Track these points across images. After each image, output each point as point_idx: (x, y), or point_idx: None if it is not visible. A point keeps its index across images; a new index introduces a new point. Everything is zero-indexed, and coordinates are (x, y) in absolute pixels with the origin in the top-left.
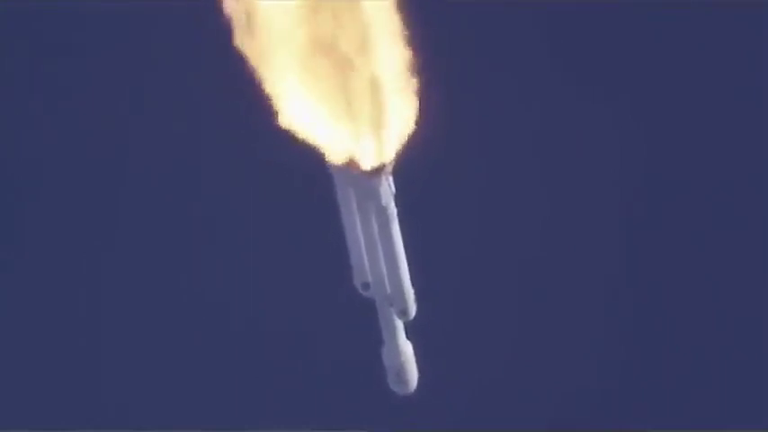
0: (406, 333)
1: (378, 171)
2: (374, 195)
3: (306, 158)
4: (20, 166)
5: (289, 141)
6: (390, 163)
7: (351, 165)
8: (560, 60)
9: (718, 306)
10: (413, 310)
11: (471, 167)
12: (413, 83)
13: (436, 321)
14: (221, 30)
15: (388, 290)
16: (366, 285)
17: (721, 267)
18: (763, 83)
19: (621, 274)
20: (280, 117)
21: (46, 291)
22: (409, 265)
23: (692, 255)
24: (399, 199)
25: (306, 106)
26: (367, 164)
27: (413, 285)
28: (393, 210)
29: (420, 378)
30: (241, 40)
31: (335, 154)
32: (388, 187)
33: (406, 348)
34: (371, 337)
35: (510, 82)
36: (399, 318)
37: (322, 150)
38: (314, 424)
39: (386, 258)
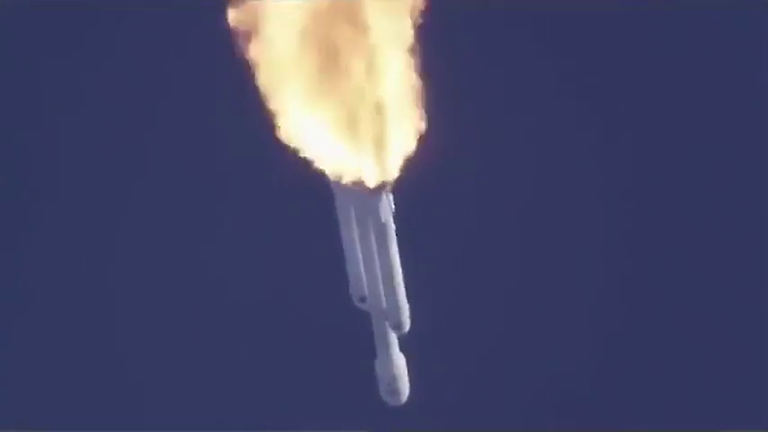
0: (400, 346)
1: (379, 189)
2: (374, 212)
3: (308, 174)
4: (23, 167)
5: (292, 157)
6: (391, 181)
7: (353, 182)
8: (565, 83)
9: (718, 306)
10: (407, 324)
11: (470, 187)
12: (416, 103)
13: (429, 336)
14: (230, 45)
15: (384, 304)
16: (363, 299)
17: (721, 267)
18: (764, 83)
19: (621, 275)
20: (284, 133)
21: (47, 291)
22: (405, 280)
23: (693, 254)
24: (398, 216)
25: (310, 124)
26: (369, 182)
27: (408, 300)
28: (392, 227)
29: (412, 389)
30: (248, 56)
31: (338, 171)
32: (388, 205)
33: (399, 361)
34: (371, 340)
35: (513, 105)
36: (394, 331)
37: (325, 167)
38: (314, 424)
39: (383, 273)
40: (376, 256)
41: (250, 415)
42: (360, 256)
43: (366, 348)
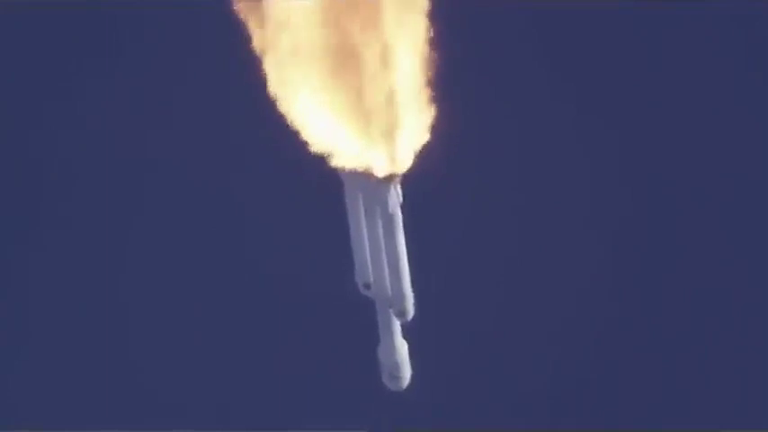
0: (403, 333)
1: (388, 180)
2: (382, 202)
3: (318, 163)
4: (24, 168)
5: (303, 146)
6: (400, 173)
7: (363, 172)
8: (573, 80)
9: (718, 306)
10: (411, 311)
11: (477, 180)
12: (427, 96)
13: (432, 324)
14: (241, 35)
15: (389, 291)
16: (368, 285)
17: (721, 267)
18: (764, 83)
19: (621, 275)
20: (295, 122)
21: (49, 290)
22: (410, 269)
23: (693, 254)
24: (405, 207)
25: (322, 114)
26: (378, 172)
27: (412, 289)
28: (399, 216)
29: (414, 377)
30: (259, 46)
31: (348, 160)
32: (395, 195)
33: (402, 347)
34: (372, 337)
35: (523, 100)
36: (397, 318)
37: (335, 156)
38: (314, 424)
39: (388, 261)
40: (382, 244)
41: (250, 414)
42: (366, 243)
43: (367, 344)
